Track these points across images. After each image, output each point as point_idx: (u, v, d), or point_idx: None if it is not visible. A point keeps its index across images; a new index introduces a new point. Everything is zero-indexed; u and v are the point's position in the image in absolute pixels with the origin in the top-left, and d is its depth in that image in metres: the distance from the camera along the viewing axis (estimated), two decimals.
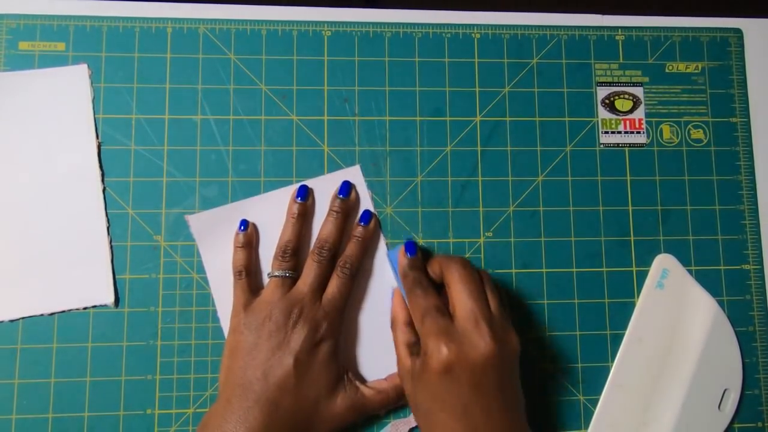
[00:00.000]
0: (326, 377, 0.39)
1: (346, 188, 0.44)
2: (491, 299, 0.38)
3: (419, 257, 0.41)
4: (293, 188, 0.44)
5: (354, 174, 0.45)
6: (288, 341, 0.38)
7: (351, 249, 0.42)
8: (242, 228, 0.43)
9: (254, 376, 0.38)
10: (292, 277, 0.41)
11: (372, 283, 0.44)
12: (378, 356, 0.43)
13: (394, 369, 0.42)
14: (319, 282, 0.41)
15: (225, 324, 0.42)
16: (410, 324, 0.40)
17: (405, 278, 0.40)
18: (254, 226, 0.44)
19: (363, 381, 0.42)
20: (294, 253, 0.42)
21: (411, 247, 0.41)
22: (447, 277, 0.38)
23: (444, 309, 0.37)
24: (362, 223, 0.43)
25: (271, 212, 0.44)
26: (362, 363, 0.43)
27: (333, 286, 0.41)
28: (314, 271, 0.41)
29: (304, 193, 0.43)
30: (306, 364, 0.38)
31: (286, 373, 0.38)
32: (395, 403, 0.41)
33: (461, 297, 0.37)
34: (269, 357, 0.38)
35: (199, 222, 0.43)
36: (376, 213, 0.44)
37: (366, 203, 0.45)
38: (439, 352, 0.35)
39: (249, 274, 0.42)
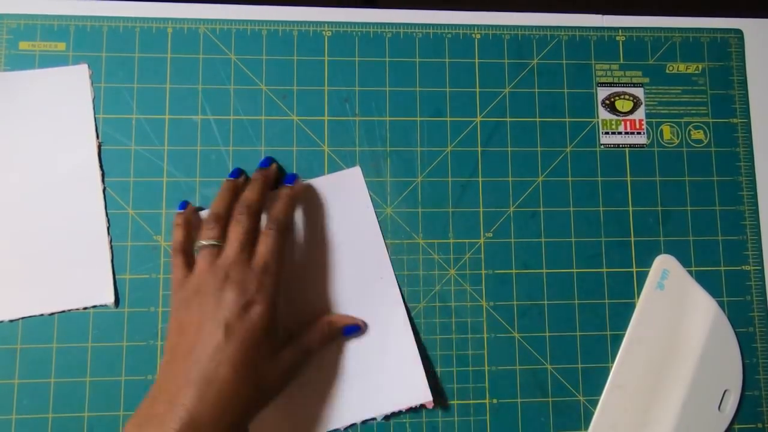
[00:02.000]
0: (266, 343, 0.37)
1: (267, 161, 0.44)
2: None
3: None
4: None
5: (354, 175, 0.45)
6: (217, 307, 0.36)
7: (277, 206, 0.41)
8: (180, 208, 0.42)
9: (191, 344, 0.35)
10: (219, 246, 0.39)
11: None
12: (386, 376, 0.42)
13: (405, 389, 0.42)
14: (245, 244, 0.38)
15: None
16: None
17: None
18: (193, 208, 0.43)
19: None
20: (220, 220, 0.40)
21: None
22: None
23: None
24: (287, 183, 0.43)
25: None
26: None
27: (261, 246, 0.39)
28: (237, 232, 0.39)
29: (237, 173, 0.43)
30: (236, 328, 0.36)
31: (219, 336, 0.35)
32: (329, 336, 0.41)
33: None
34: (203, 322, 0.36)
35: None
36: (374, 213, 0.44)
37: (365, 204, 0.45)
38: None
39: (185, 251, 0.40)
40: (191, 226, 0.42)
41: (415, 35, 0.47)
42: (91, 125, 0.44)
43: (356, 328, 0.42)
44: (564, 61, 0.48)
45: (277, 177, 0.44)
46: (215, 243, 0.39)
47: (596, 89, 0.48)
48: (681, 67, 0.48)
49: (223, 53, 0.46)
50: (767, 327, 0.45)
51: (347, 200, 0.44)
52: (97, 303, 0.42)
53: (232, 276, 0.37)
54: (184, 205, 0.42)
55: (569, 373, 0.44)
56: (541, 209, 0.46)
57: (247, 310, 0.36)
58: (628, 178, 0.47)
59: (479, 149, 0.46)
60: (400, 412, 0.42)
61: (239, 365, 0.35)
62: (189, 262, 0.40)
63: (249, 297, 0.37)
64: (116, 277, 0.43)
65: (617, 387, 0.44)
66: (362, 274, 0.44)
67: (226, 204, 0.40)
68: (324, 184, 0.44)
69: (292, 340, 0.40)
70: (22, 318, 0.42)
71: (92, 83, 0.45)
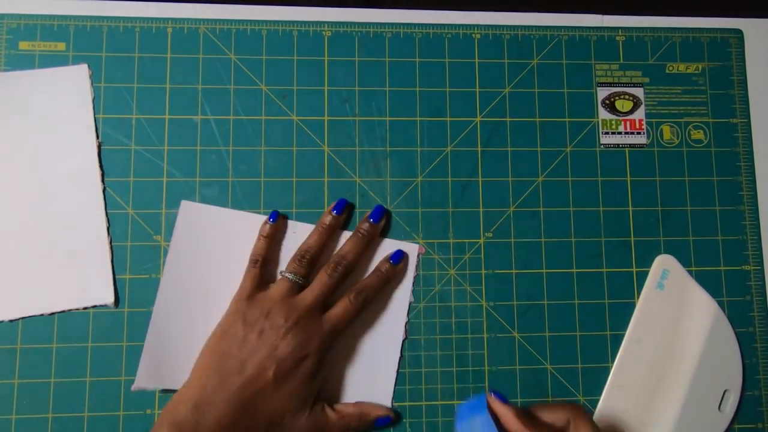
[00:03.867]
0: (300, 393, 0.38)
1: (379, 213, 0.43)
2: None
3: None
4: (297, 223, 0.44)
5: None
6: (276, 346, 0.38)
7: (372, 280, 0.42)
8: (272, 219, 0.43)
9: (233, 368, 0.37)
10: (301, 284, 0.41)
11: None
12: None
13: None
14: (326, 296, 0.40)
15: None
16: None
17: None
18: (284, 221, 0.44)
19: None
20: (312, 260, 0.41)
21: (500, 396, 0.36)
22: (581, 427, 0.34)
23: None
24: (392, 262, 0.43)
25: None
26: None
27: (340, 308, 0.40)
28: (324, 284, 0.40)
29: (341, 208, 0.43)
30: (286, 374, 0.38)
31: (264, 378, 0.37)
32: (355, 428, 0.40)
33: None
34: (253, 355, 0.38)
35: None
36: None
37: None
38: None
39: (263, 264, 0.42)
40: (276, 241, 0.43)
41: (415, 35, 0.47)
42: (91, 125, 0.44)
43: (388, 420, 0.42)
44: (564, 61, 0.48)
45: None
46: (300, 281, 0.41)
47: (596, 89, 0.48)
48: (681, 67, 0.48)
49: (223, 53, 0.46)
50: (767, 327, 0.45)
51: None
52: (97, 303, 0.42)
53: (302, 324, 0.39)
54: (276, 215, 0.43)
55: (569, 373, 0.44)
56: (541, 209, 0.46)
57: (302, 361, 0.38)
58: (628, 178, 0.47)
59: (479, 149, 0.46)
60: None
61: (272, 407, 0.37)
62: (263, 278, 0.41)
63: (308, 350, 0.38)
64: (116, 277, 0.43)
65: (617, 387, 0.44)
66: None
67: (321, 243, 0.42)
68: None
69: (318, 406, 0.39)
70: (22, 318, 0.42)
71: (92, 83, 0.45)
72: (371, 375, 0.43)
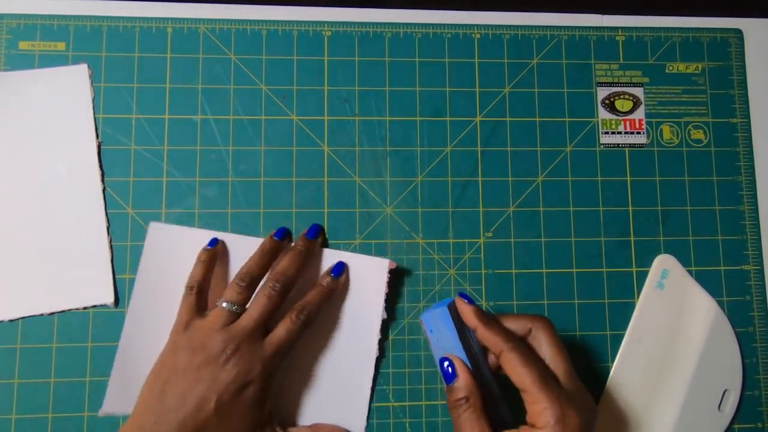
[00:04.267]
0: (246, 422, 0.37)
1: (314, 231, 0.43)
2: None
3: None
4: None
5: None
6: (215, 378, 0.36)
7: (314, 296, 0.40)
8: (210, 245, 0.42)
9: (173, 405, 0.35)
10: (238, 313, 0.38)
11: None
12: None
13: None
14: (265, 318, 0.38)
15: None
16: (483, 408, 0.35)
17: (493, 336, 0.35)
18: (224, 246, 0.43)
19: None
20: (251, 284, 0.39)
21: (467, 297, 0.37)
22: (540, 336, 0.35)
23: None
24: (333, 275, 0.41)
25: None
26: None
27: (281, 329, 0.38)
28: (262, 305, 0.38)
29: (282, 233, 0.42)
30: (228, 406, 0.36)
31: (205, 412, 0.35)
32: None
33: (560, 359, 0.35)
34: (192, 388, 0.35)
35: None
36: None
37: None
38: (574, 418, 0.32)
39: (200, 292, 0.40)
40: (212, 267, 0.41)
41: (414, 35, 0.47)
42: (91, 125, 0.44)
43: None
44: (564, 61, 0.48)
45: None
46: (238, 310, 0.38)
47: (596, 89, 0.48)
48: (681, 67, 0.48)
49: (222, 53, 0.46)
50: (767, 327, 0.45)
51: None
52: (97, 303, 0.42)
53: (242, 350, 0.37)
54: (215, 242, 0.42)
55: None
56: (541, 209, 0.46)
57: (244, 390, 0.36)
58: (628, 178, 0.47)
59: (479, 149, 0.46)
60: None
61: None
62: (201, 305, 0.39)
63: (249, 378, 0.36)
64: (116, 277, 0.43)
65: (617, 386, 0.44)
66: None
67: (261, 266, 0.40)
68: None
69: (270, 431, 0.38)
70: (22, 318, 0.42)
71: (92, 83, 0.45)
72: (342, 395, 0.42)
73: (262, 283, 0.40)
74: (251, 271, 0.40)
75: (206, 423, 0.35)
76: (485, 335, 0.35)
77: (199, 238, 0.42)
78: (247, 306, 0.39)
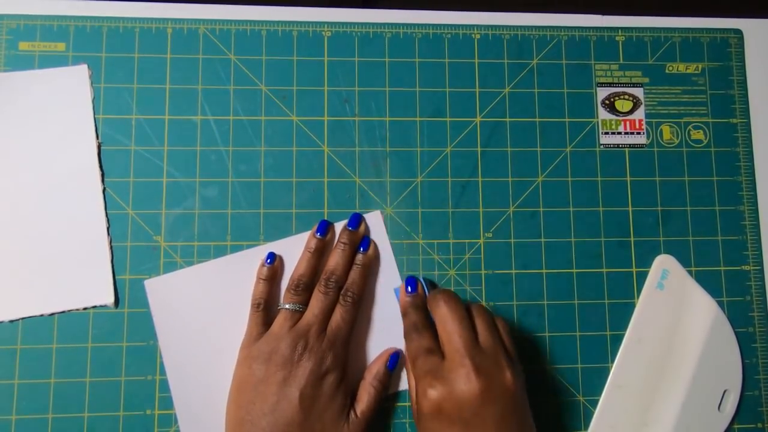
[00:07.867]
0: (332, 409, 0.39)
1: (356, 220, 0.44)
2: (482, 333, 0.37)
3: (420, 294, 0.42)
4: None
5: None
6: (294, 375, 0.38)
7: (352, 277, 0.42)
8: (269, 261, 0.43)
9: (261, 411, 0.37)
10: (300, 311, 0.41)
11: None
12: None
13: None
14: (326, 313, 0.41)
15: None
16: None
17: (404, 319, 0.41)
18: (281, 260, 0.43)
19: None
20: (306, 287, 0.41)
21: (412, 282, 0.42)
22: (434, 314, 0.39)
23: (435, 349, 0.37)
24: (362, 250, 0.43)
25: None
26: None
27: (337, 315, 0.41)
28: (320, 302, 0.41)
29: (324, 229, 0.43)
30: (312, 397, 0.38)
31: (293, 408, 0.37)
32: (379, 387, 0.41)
33: (447, 334, 0.37)
34: (276, 391, 0.38)
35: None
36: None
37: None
38: (428, 393, 0.35)
39: (266, 307, 0.41)
40: (275, 282, 0.43)
41: (414, 35, 0.47)
42: (91, 125, 0.44)
43: (395, 356, 0.42)
44: (564, 61, 0.48)
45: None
46: (299, 308, 0.41)
47: (596, 89, 0.48)
48: (681, 67, 0.48)
49: (222, 53, 0.46)
50: (767, 327, 0.45)
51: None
52: (97, 303, 0.42)
53: (311, 345, 0.39)
54: (272, 257, 0.43)
55: (569, 373, 0.44)
56: (541, 209, 0.46)
57: (323, 380, 0.39)
58: (628, 178, 0.47)
59: (479, 149, 0.46)
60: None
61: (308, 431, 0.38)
62: (267, 319, 0.41)
63: (325, 368, 0.39)
64: (116, 277, 0.43)
65: (617, 387, 0.44)
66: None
67: (312, 268, 0.42)
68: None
69: (354, 413, 0.40)
70: (22, 318, 0.42)
71: (92, 83, 0.45)
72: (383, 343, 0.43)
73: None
74: (302, 275, 0.42)
75: (295, 419, 0.37)
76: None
77: (196, 273, 0.43)
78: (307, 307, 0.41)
